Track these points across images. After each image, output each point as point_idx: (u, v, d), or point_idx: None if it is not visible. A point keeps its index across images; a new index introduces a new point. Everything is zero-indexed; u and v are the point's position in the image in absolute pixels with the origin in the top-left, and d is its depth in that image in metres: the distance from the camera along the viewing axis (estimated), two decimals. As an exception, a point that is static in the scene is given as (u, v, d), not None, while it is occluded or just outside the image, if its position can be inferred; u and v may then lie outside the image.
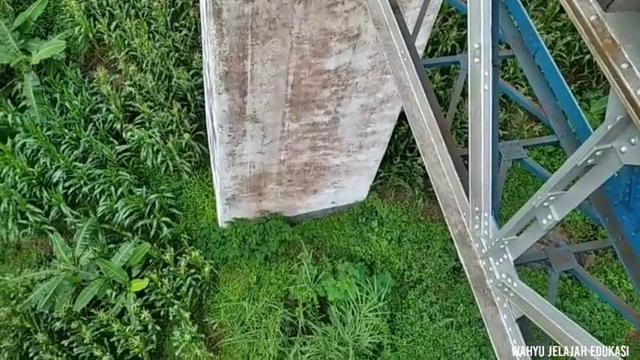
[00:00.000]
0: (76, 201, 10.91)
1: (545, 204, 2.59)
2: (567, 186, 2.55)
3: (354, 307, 10.32)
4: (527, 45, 3.98)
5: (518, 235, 3.03)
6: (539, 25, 11.26)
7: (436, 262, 10.97)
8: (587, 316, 10.48)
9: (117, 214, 10.39)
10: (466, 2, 3.13)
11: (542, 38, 3.82)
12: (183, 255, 10.40)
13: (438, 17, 10.79)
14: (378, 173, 10.92)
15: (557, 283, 3.36)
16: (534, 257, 3.39)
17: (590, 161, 2.23)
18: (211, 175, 11.24)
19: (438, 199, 3.58)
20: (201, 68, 10.89)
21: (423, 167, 10.88)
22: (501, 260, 3.17)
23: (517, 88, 10.92)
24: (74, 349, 9.82)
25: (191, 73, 11.11)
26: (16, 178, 10.59)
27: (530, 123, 11.51)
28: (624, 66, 1.92)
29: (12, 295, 10.26)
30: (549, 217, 2.63)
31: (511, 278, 3.11)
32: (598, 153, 2.15)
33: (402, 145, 11.21)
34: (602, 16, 2.01)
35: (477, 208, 3.24)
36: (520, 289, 3.03)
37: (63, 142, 10.84)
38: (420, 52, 8.02)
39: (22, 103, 11.18)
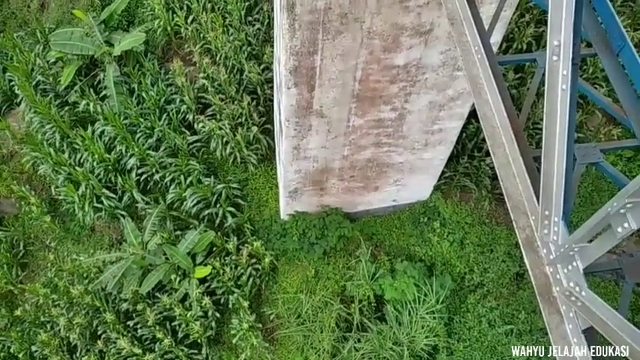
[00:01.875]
0: (148, 188, 11.41)
1: (622, 211, 2.46)
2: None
3: (411, 307, 10.20)
4: (611, 43, 3.78)
5: (589, 242, 2.90)
6: (625, 22, 10.63)
7: (499, 267, 10.65)
8: (662, 335, 9.84)
9: (185, 202, 10.77)
10: (546, -2, 3.01)
11: (628, 36, 3.61)
12: (246, 245, 10.64)
13: (514, 13, 10.43)
14: (442, 173, 10.71)
15: (630, 295, 3.18)
16: (606, 266, 3.22)
17: (675, 167, 2.09)
18: (276, 168, 11.43)
19: (506, 200, 3.47)
20: (272, 63, 11.08)
21: (491, 168, 10.56)
22: (570, 268, 3.04)
23: (596, 88, 10.39)
24: (138, 330, 10.30)
25: (262, 67, 11.32)
26: (94, 163, 11.21)
27: (608, 126, 10.92)
28: None
29: (85, 275, 10.89)
30: (625, 225, 2.49)
31: (579, 287, 2.97)
32: (685, 158, 2.01)
33: (469, 145, 10.94)
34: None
35: (546, 212, 3.12)
36: (589, 298, 2.89)
37: (138, 131, 11.35)
38: (495, 49, 7.79)
39: (103, 93, 11.80)
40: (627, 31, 10.37)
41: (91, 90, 11.87)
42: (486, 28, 4.15)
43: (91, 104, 11.48)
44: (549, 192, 3.06)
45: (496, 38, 7.52)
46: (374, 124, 8.72)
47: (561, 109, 2.92)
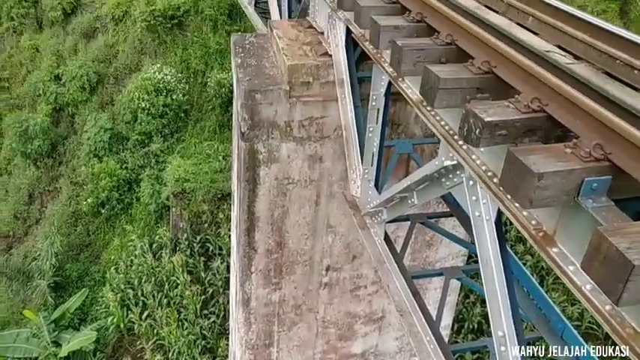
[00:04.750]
0: None
1: None
2: None
3: None
4: (552, 326, 3.95)
5: None
6: (561, 298, 11.22)
7: None
8: None
9: None
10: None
11: (567, 311, 3.82)
12: None
13: (459, 295, 10.98)
14: None
15: None
16: None
17: None
18: None
19: None
20: (227, 356, 10.76)
21: None
22: None
23: (554, 365, 10.35)
24: None
25: (216, 360, 10.95)
26: None
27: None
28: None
29: None
30: None
31: None
32: None
33: None
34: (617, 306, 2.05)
35: None
36: None
37: None
38: (446, 332, 7.95)
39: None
40: (565, 307, 10.92)
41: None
42: (434, 314, 4.31)
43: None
44: None
45: (446, 322, 7.76)
46: (338, 418, 8.14)
47: (522, 398, 2.88)
